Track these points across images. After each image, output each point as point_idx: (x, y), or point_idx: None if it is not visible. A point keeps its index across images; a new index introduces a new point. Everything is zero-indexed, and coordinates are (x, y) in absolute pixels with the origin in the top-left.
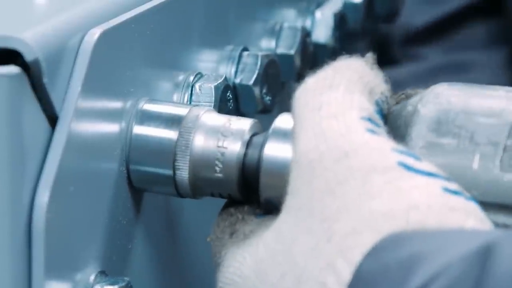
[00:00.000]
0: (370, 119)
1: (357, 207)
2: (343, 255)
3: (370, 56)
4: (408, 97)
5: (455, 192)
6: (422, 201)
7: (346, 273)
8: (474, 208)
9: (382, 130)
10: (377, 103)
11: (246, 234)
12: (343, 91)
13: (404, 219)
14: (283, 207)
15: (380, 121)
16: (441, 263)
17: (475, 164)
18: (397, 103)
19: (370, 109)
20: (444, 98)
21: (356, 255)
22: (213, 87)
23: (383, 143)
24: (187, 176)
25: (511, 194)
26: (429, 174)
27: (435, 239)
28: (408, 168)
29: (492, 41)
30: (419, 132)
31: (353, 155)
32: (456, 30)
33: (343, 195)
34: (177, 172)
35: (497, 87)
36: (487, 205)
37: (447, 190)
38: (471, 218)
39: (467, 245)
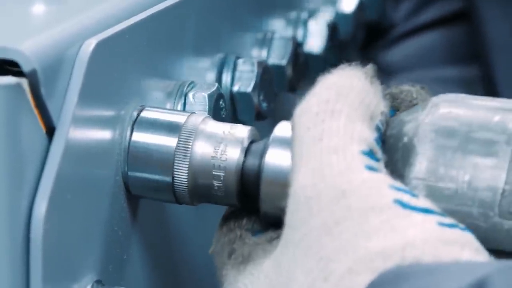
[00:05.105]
0: (370, 153)
1: (353, 247)
2: None
3: (370, 67)
4: (393, 97)
5: (450, 225)
6: (417, 237)
7: None
8: (469, 238)
9: (381, 164)
10: (377, 129)
11: (245, 256)
12: (344, 120)
13: (400, 256)
14: (282, 238)
15: (379, 153)
16: None
17: (474, 211)
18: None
19: (370, 138)
20: (441, 132)
21: None
22: (206, 96)
23: (381, 181)
24: (186, 183)
25: (511, 240)
26: (425, 210)
27: (431, 274)
28: (404, 205)
29: (458, 56)
30: (417, 174)
31: (350, 194)
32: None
33: (339, 235)
34: (176, 179)
35: (499, 106)
36: (488, 252)
37: (442, 224)
38: (467, 250)
39: (461, 281)
